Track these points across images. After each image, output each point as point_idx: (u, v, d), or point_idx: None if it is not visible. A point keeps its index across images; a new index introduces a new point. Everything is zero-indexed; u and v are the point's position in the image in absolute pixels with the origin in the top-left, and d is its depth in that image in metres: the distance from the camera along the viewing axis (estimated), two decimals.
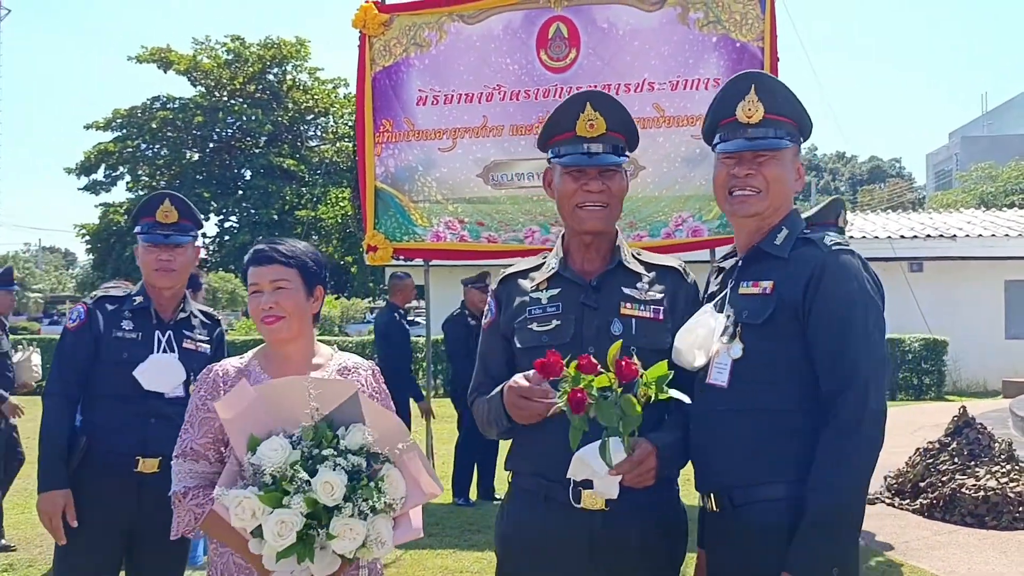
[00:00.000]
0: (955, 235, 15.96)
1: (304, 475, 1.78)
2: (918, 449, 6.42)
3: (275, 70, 31.59)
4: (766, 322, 1.98)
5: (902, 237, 15.76)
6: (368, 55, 6.62)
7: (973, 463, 5.84)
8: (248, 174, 31.20)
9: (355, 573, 2.06)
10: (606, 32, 6.41)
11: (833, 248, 2.02)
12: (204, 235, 32.17)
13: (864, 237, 15.78)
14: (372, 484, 1.82)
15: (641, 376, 1.84)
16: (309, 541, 1.77)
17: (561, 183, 2.17)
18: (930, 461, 6.04)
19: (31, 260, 51.79)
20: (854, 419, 1.87)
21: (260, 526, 1.78)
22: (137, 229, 3.12)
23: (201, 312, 3.29)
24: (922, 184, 56.48)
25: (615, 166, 2.17)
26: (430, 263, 7.27)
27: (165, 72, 30.65)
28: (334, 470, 1.80)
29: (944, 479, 5.75)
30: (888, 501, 6.18)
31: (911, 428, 9.31)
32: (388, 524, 1.85)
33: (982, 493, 5.54)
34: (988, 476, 5.64)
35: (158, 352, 3.05)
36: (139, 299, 3.11)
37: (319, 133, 33.60)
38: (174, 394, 3.03)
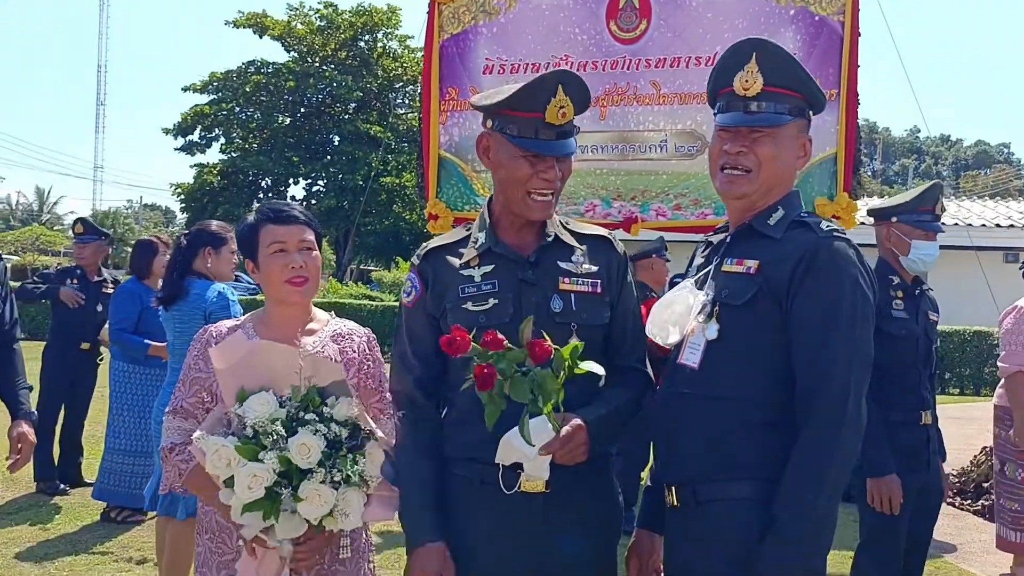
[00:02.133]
0: None
1: (282, 432, 1.80)
2: (985, 447, 6.13)
3: (366, 37, 31.90)
4: (746, 304, 1.87)
5: (997, 226, 15.01)
6: (437, 22, 6.60)
7: None
8: (336, 140, 31.71)
9: (336, 550, 2.06)
10: (678, 3, 6.23)
11: (829, 233, 1.89)
12: (292, 197, 32.89)
13: (956, 224, 15.10)
14: (350, 456, 1.82)
15: (554, 354, 1.78)
16: (276, 499, 1.79)
17: (516, 165, 2.03)
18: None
19: (132, 217, 53.88)
20: (831, 427, 1.73)
21: (232, 477, 1.80)
22: None
23: None
24: None
25: (570, 155, 2.08)
26: None
27: (260, 37, 31.28)
28: (314, 434, 1.81)
29: None
30: (949, 500, 5.92)
31: (989, 425, 8.89)
32: (359, 498, 1.86)
33: None
34: None
35: None
36: None
37: (407, 101, 33.84)
38: None
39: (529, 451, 1.80)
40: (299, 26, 31.34)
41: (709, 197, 6.18)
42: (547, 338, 1.84)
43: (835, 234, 1.90)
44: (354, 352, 2.17)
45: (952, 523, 5.40)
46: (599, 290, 2.07)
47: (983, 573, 4.66)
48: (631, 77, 6.31)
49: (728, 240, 2.05)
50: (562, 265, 2.07)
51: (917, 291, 3.47)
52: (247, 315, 2.25)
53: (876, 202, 6.55)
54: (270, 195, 32.85)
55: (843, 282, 1.82)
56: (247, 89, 30.57)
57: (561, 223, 2.15)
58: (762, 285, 1.86)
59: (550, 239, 2.10)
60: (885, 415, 3.18)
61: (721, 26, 6.12)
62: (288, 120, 32.09)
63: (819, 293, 1.82)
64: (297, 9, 31.69)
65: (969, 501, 5.80)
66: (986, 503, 5.61)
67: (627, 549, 2.13)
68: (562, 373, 1.81)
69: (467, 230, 2.21)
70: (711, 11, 6.17)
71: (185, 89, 31.35)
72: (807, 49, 6.04)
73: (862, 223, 10.89)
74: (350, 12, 31.39)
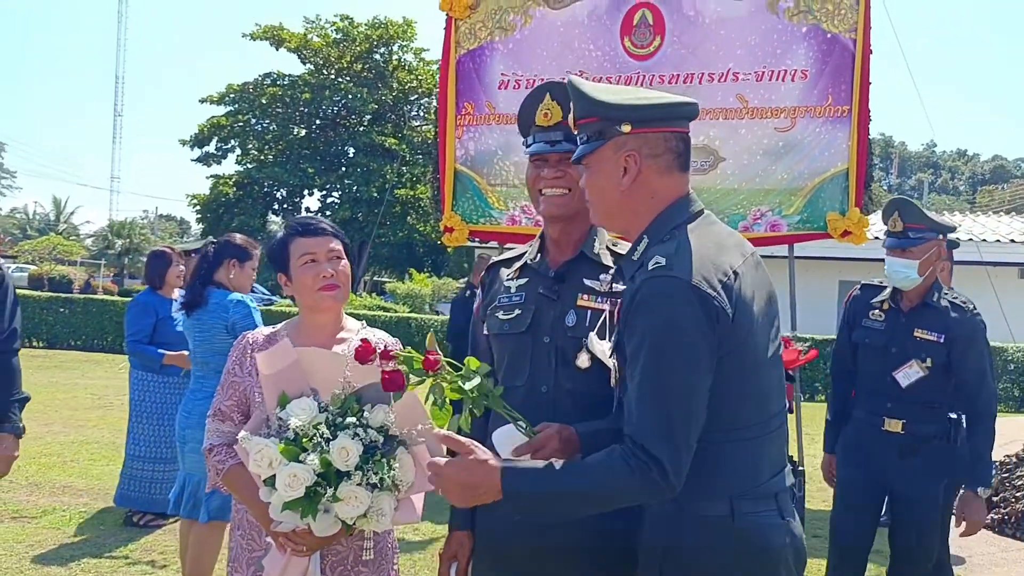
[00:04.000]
0: None
1: (327, 435, 1.90)
2: (996, 462, 6.15)
3: (381, 50, 32.17)
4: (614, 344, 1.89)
5: (1012, 241, 14.99)
6: (453, 38, 6.69)
7: None
8: (351, 151, 31.96)
9: (359, 547, 2.15)
10: (692, 20, 6.31)
11: (651, 272, 1.74)
12: (307, 209, 33.08)
13: (971, 240, 15.08)
14: (384, 461, 1.92)
15: (441, 367, 1.81)
16: (315, 499, 1.88)
17: (529, 171, 2.22)
18: (1006, 475, 5.77)
19: (147, 227, 54.26)
20: (639, 472, 1.64)
21: (273, 476, 1.90)
22: None
23: None
24: None
25: (572, 152, 2.10)
26: (505, 246, 7.32)
27: (277, 49, 31.62)
28: (352, 439, 1.91)
29: (1018, 495, 5.50)
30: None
31: (1002, 440, 8.89)
32: (391, 502, 1.95)
33: None
34: None
35: None
36: None
37: (422, 113, 34.07)
38: None
39: (501, 452, 1.88)
40: (315, 39, 31.65)
41: (722, 212, 6.24)
42: (438, 351, 1.85)
43: (655, 273, 1.73)
44: None
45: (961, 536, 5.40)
46: (618, 310, 2.11)
47: None
48: None
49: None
50: (587, 282, 2.14)
51: (911, 308, 3.57)
52: (281, 324, 2.35)
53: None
54: (285, 206, 33.10)
55: (648, 327, 1.69)
56: (263, 101, 30.88)
57: (609, 244, 2.20)
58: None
59: (576, 256, 2.17)
60: (853, 409, 3.68)
61: (734, 43, 6.19)
62: (303, 132, 32.37)
63: (634, 328, 1.72)
64: (314, 22, 32.04)
65: None
66: (995, 517, 5.63)
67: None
68: (480, 382, 1.82)
69: (530, 246, 2.32)
70: (724, 28, 6.25)
71: (202, 101, 31.71)
72: (819, 66, 6.11)
73: (876, 237, 10.90)
74: (366, 25, 31.67)
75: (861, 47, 6.03)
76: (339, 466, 1.87)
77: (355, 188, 30.50)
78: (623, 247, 2.16)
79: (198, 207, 32.10)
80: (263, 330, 2.33)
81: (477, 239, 7.20)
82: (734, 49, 6.18)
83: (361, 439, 1.91)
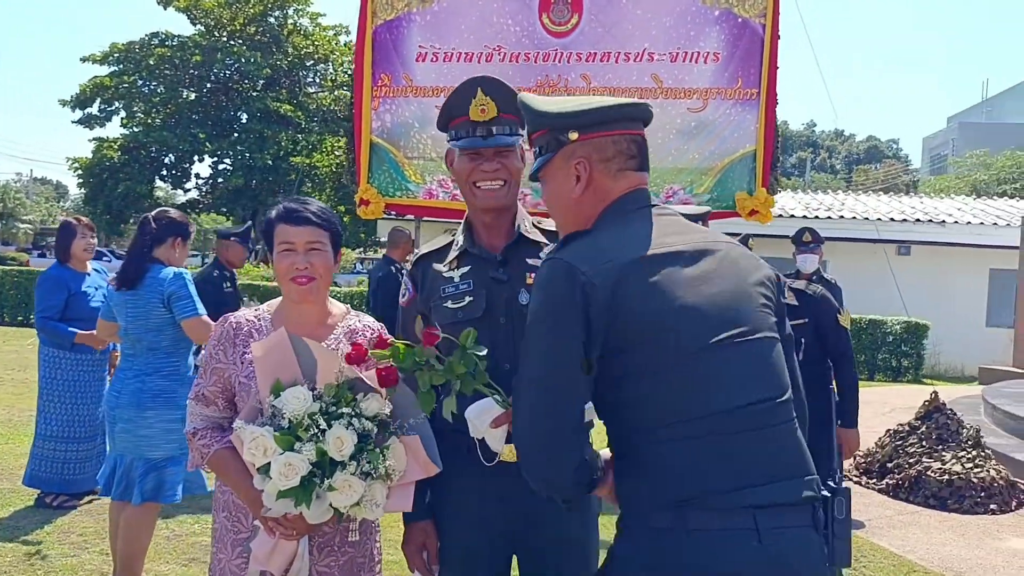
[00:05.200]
0: (944, 221, 16.06)
1: (323, 425, 1.90)
2: (888, 430, 6.56)
3: (276, 13, 31.18)
4: None
5: (892, 220, 15.84)
6: (370, 7, 6.58)
7: (940, 447, 5.98)
8: (244, 117, 30.96)
9: (345, 529, 2.17)
10: None
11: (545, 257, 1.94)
12: (197, 175, 32.10)
13: (854, 218, 15.86)
14: (378, 451, 1.94)
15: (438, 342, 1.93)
16: (310, 488, 1.89)
17: (459, 164, 2.27)
18: (899, 443, 6.18)
19: (22, 191, 51.36)
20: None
21: (267, 464, 1.89)
22: None
23: None
24: (918, 167, 56.50)
25: (508, 147, 2.23)
26: (421, 219, 7.31)
27: (165, 8, 30.23)
28: (347, 429, 1.91)
29: (911, 461, 5.90)
30: (856, 480, 6.33)
31: (885, 409, 9.47)
32: (383, 491, 1.97)
33: (947, 477, 5.68)
34: (954, 461, 5.78)
35: None
36: None
37: (317, 80, 33.27)
38: None
39: (477, 428, 1.94)
40: None
41: None
42: (436, 327, 2.00)
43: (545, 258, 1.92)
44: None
45: (859, 500, 5.78)
46: None
47: (891, 545, 5.03)
48: (562, 70, 6.46)
49: None
50: (530, 262, 2.22)
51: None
52: (264, 305, 2.31)
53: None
54: (174, 172, 31.89)
55: (533, 306, 1.78)
56: (151, 62, 29.50)
57: (533, 223, 2.32)
58: None
59: (515, 238, 2.27)
60: None
61: (649, 23, 6.32)
62: (194, 95, 31.14)
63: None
64: None
65: (875, 480, 6.21)
66: (890, 482, 6.02)
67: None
68: (467, 357, 1.92)
69: (452, 235, 2.37)
70: (640, 8, 6.36)
71: (84, 60, 30.06)
72: (730, 49, 6.30)
73: (779, 215, 11.30)
74: None
75: (770, 32, 6.25)
76: (334, 456, 1.88)
77: (248, 155, 29.60)
78: (547, 224, 2.30)
79: (80, 171, 30.54)
80: (245, 313, 2.28)
81: (393, 212, 7.15)
82: (650, 29, 6.31)
83: (355, 429, 1.92)
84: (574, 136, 1.83)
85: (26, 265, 24.84)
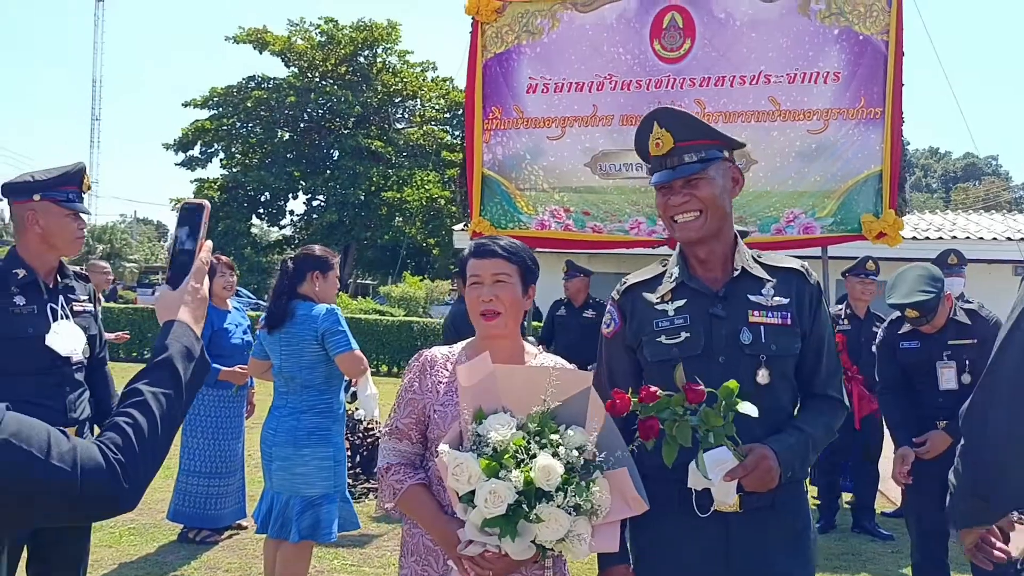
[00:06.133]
0: None
1: (536, 450, 1.84)
2: None
3: (366, 52, 32.04)
4: None
5: (1008, 239, 15.16)
6: (480, 42, 6.64)
7: None
8: (336, 154, 31.79)
9: (539, 573, 2.08)
10: (723, 23, 6.30)
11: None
12: (291, 212, 33.00)
13: (968, 238, 15.24)
14: (583, 484, 1.85)
15: (714, 393, 1.87)
16: (515, 517, 1.81)
17: (657, 200, 2.21)
18: None
19: (127, 231, 53.66)
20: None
21: (470, 493, 1.83)
22: (54, 196, 2.95)
23: (73, 272, 3.22)
24: (1020, 183, 54.34)
25: (694, 175, 2.12)
26: (534, 251, 7.29)
27: (260, 53, 31.41)
28: (553, 457, 1.84)
29: None
30: None
31: None
32: (588, 527, 1.88)
33: None
34: None
35: (56, 320, 2.98)
36: (22, 272, 2.97)
37: (406, 116, 33.98)
38: (78, 359, 3.03)
39: (709, 480, 1.89)
40: (299, 41, 31.47)
41: (754, 214, 6.25)
42: (699, 382, 1.91)
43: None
44: None
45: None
46: (789, 321, 2.11)
47: None
48: (675, 96, 6.36)
49: None
50: (752, 298, 2.12)
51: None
52: (459, 344, 2.28)
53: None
54: (270, 209, 32.87)
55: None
56: (248, 104, 30.63)
57: (753, 257, 2.20)
58: None
59: (737, 272, 2.15)
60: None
61: (765, 45, 6.19)
62: (288, 135, 32.15)
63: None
64: (298, 24, 31.84)
65: None
66: None
67: None
68: (723, 408, 1.87)
69: (663, 266, 2.27)
70: (755, 31, 6.24)
71: (185, 104, 31.38)
72: (851, 68, 6.12)
73: (914, 238, 10.91)
74: (350, 27, 31.53)
75: (894, 49, 6.05)
76: (541, 485, 1.81)
77: (341, 191, 30.33)
78: (767, 259, 2.21)
79: None
80: (440, 349, 2.26)
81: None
82: (766, 51, 6.18)
83: (562, 459, 1.85)
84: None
85: (134, 303, 25.80)
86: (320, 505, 3.69)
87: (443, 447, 1.91)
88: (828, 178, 6.16)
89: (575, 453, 1.86)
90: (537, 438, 1.87)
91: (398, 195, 30.15)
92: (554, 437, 1.86)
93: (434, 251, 30.53)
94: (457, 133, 32.74)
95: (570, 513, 1.82)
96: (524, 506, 1.81)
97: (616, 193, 6.50)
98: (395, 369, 15.06)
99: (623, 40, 6.44)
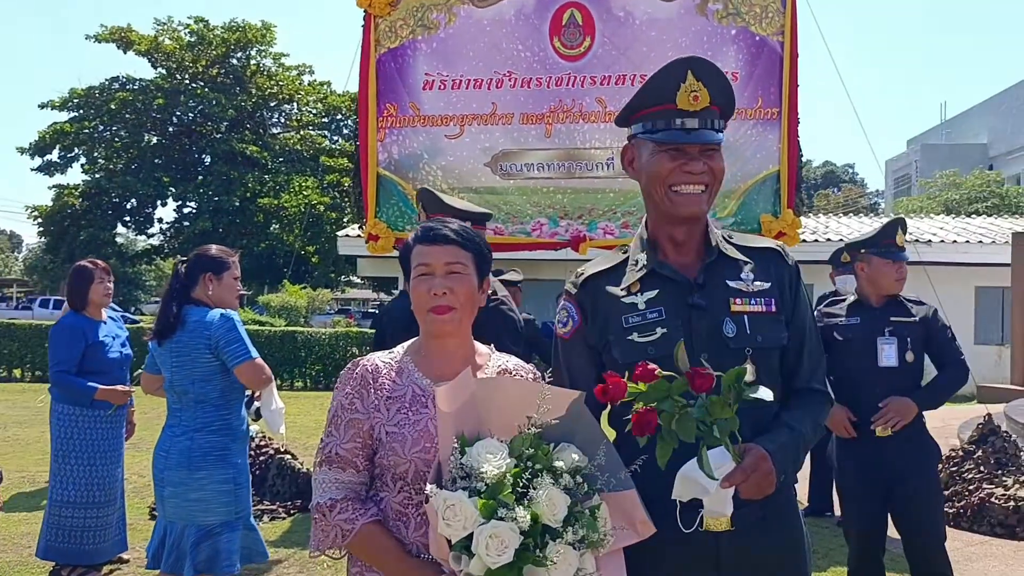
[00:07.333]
0: (930, 240, 16.09)
1: (540, 482, 1.54)
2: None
3: (239, 54, 30.90)
4: None
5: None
6: (373, 36, 6.34)
7: (1000, 472, 5.73)
8: (209, 159, 30.55)
9: None
10: (622, 21, 6.24)
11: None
12: (160, 220, 31.49)
13: (829, 240, 15.83)
14: (586, 511, 1.56)
15: (718, 379, 1.60)
16: (522, 562, 1.50)
17: (655, 162, 1.84)
18: (954, 469, 5.90)
19: None
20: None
21: (465, 539, 1.52)
22: None
23: None
24: (874, 190, 57.41)
25: (716, 144, 1.85)
26: None
27: (125, 52, 29.84)
28: (553, 486, 1.54)
29: (971, 488, 5.63)
30: None
31: None
32: (592, 561, 1.59)
33: (1012, 503, 5.39)
34: (1017, 486, 5.52)
35: None
36: None
37: (283, 120, 32.99)
38: None
39: (710, 484, 1.59)
40: (167, 41, 30.05)
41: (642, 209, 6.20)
42: (705, 364, 1.62)
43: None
44: None
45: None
46: (774, 308, 1.86)
47: None
48: (576, 94, 6.26)
49: None
50: (732, 284, 1.86)
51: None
52: (400, 347, 1.94)
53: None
54: (137, 217, 31.29)
55: None
56: (111, 106, 29.01)
57: (724, 237, 1.94)
58: None
59: (714, 256, 1.89)
60: None
61: (665, 44, 6.14)
62: (156, 139, 30.64)
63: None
64: (165, 24, 30.41)
65: None
66: (950, 511, 5.67)
67: None
68: (731, 399, 1.60)
69: (624, 252, 1.96)
70: (655, 29, 6.20)
71: (42, 106, 29.48)
72: (749, 68, 6.15)
73: (804, 240, 11.14)
74: (222, 28, 30.35)
75: (789, 50, 6.12)
76: (548, 520, 1.51)
77: (214, 198, 29.07)
78: (738, 239, 1.97)
79: (40, 219, 29.79)
80: (379, 355, 1.92)
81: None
82: (665, 50, 6.12)
83: (562, 486, 1.56)
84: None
85: None
86: (219, 534, 3.29)
87: (430, 487, 1.57)
88: (728, 178, 6.05)
89: (570, 479, 1.57)
90: (531, 463, 1.56)
91: (275, 202, 29.19)
92: (559, 464, 1.57)
93: (314, 259, 29.68)
94: (336, 139, 31.98)
95: (576, 548, 1.54)
96: (530, 550, 1.51)
97: (517, 194, 6.33)
98: (278, 382, 14.42)
99: (522, 36, 6.28)
